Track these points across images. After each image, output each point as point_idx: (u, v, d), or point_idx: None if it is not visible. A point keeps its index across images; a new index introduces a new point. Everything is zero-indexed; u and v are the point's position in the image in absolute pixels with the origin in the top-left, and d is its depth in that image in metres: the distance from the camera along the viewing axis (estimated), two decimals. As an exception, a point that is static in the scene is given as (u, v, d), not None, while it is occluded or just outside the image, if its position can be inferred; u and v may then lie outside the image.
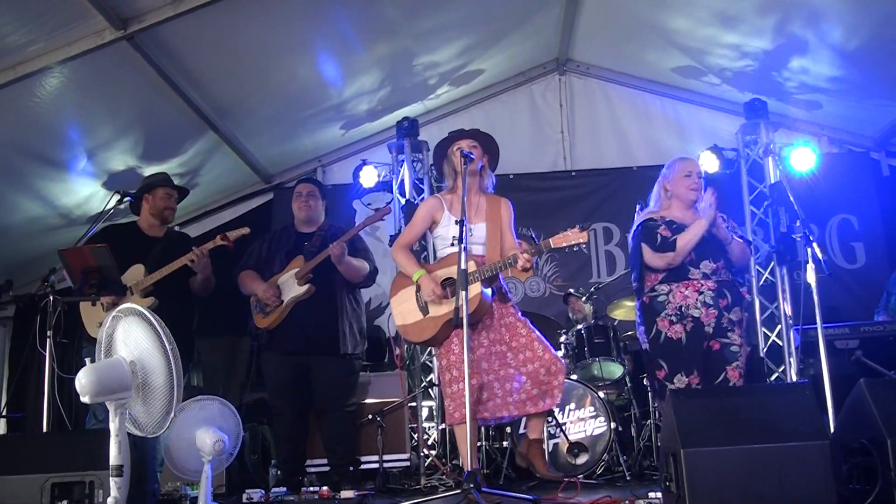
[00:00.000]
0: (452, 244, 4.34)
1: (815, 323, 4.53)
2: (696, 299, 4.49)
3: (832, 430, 3.82)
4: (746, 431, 3.29)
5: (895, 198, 7.56)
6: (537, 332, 4.43)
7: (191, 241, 5.53)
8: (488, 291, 4.37)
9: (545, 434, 4.66)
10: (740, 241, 4.63)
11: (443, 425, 6.45)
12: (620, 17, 7.12)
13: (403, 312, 4.55)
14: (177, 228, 6.97)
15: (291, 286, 5.31)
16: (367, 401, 5.97)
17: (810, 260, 4.24)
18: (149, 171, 6.80)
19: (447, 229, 4.53)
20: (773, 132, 7.24)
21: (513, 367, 4.35)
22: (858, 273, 7.42)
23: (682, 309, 4.49)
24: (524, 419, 4.71)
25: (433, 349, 5.43)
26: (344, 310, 5.41)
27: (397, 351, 6.37)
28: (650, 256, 4.60)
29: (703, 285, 4.50)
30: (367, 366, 6.31)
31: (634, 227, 4.77)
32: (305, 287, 5.25)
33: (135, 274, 5.02)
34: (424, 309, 4.45)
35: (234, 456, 4.35)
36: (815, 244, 4.24)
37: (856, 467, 3.34)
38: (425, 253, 6.72)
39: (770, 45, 6.64)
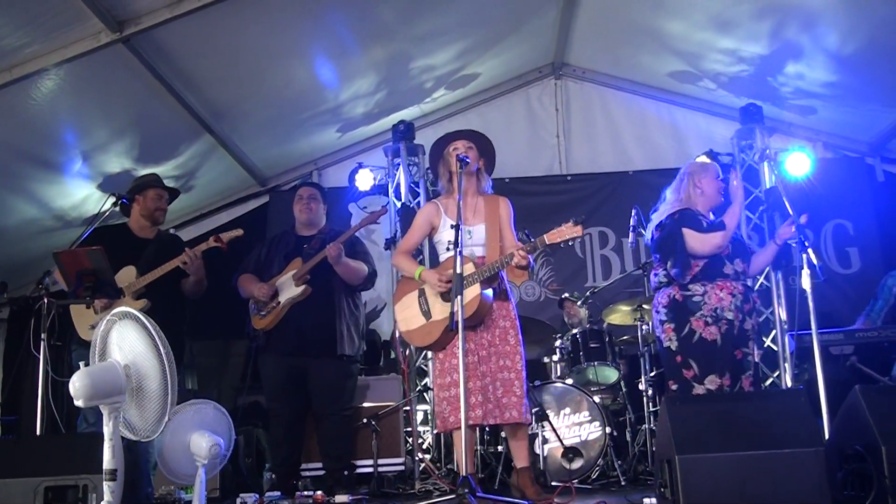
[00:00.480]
0: (449, 248, 4.33)
1: (810, 328, 4.53)
2: (731, 302, 4.54)
3: (827, 436, 3.81)
4: (741, 438, 3.29)
5: (890, 203, 7.56)
6: (522, 347, 4.44)
7: (182, 242, 5.51)
8: (489, 292, 4.36)
9: (530, 457, 4.66)
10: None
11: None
12: (616, 22, 7.12)
13: (407, 318, 4.55)
14: (172, 230, 6.97)
15: (289, 287, 5.29)
16: (363, 404, 5.96)
17: (805, 265, 4.23)
18: (144, 173, 6.80)
19: (445, 234, 4.53)
20: (768, 137, 7.25)
21: (493, 372, 4.36)
22: (853, 278, 7.43)
23: (718, 311, 4.53)
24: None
25: (430, 353, 5.43)
26: (342, 311, 5.39)
27: (392, 355, 6.35)
28: (697, 241, 4.58)
29: (734, 287, 4.57)
30: (363, 369, 6.30)
31: (666, 216, 4.75)
32: (302, 288, 5.24)
33: (126, 276, 4.99)
34: (427, 314, 4.46)
35: (226, 459, 4.33)
36: (810, 249, 4.23)
37: (851, 474, 3.34)
38: (421, 256, 6.72)
39: (766, 49, 6.65)
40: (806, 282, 4.16)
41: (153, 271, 4.97)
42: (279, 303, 5.30)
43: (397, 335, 6.27)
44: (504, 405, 4.31)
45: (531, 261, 4.32)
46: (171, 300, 5.11)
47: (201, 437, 4.02)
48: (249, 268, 5.52)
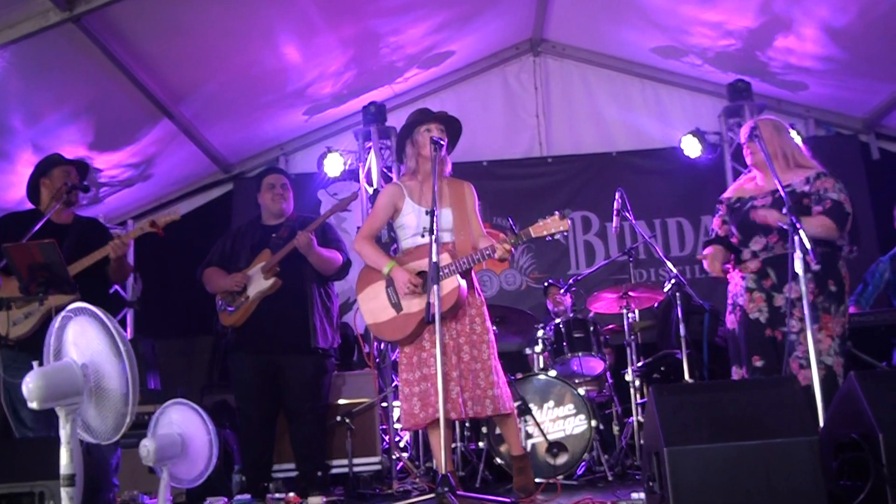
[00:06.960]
0: (420, 234, 4.32)
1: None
2: (740, 286, 4.50)
3: (821, 424, 3.85)
4: (732, 428, 3.30)
5: (885, 182, 7.62)
6: (490, 333, 4.45)
7: (103, 227, 5.37)
8: (464, 283, 4.36)
9: (525, 444, 4.66)
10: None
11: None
12: (597, -6, 7.13)
13: (374, 310, 4.52)
14: (130, 222, 6.88)
15: (258, 280, 5.25)
16: (336, 401, 5.94)
17: (797, 249, 4.23)
18: (100, 161, 6.75)
19: (410, 217, 4.53)
20: (757, 114, 7.27)
21: (467, 362, 4.36)
22: (847, 260, 7.47)
23: (734, 298, 4.54)
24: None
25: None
26: (314, 304, 5.35)
27: (367, 349, 6.34)
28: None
29: (746, 268, 4.50)
30: (336, 364, 6.29)
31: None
32: (272, 281, 5.20)
33: None
34: (398, 305, 4.43)
35: (211, 462, 4.23)
36: (801, 232, 4.22)
37: (846, 463, 3.36)
38: (395, 245, 6.69)
39: (753, 23, 6.67)
40: (798, 266, 4.14)
41: (80, 261, 4.77)
42: (248, 297, 5.26)
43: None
44: (479, 398, 4.32)
45: (513, 252, 4.32)
46: (100, 290, 4.95)
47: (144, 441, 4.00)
48: (214, 261, 5.48)
